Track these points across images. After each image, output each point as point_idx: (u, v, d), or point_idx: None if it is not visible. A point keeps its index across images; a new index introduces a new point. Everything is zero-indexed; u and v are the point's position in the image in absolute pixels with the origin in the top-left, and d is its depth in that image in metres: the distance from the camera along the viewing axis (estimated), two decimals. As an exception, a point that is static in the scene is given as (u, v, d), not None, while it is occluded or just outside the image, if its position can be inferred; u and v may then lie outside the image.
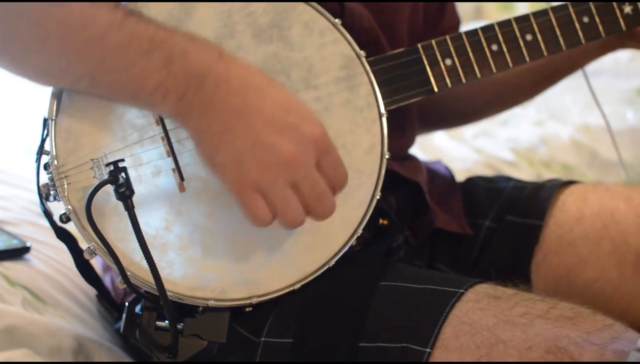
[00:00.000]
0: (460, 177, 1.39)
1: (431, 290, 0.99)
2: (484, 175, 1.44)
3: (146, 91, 0.91)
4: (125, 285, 0.96)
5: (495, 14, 3.30)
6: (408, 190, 1.21)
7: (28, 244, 1.26)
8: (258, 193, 0.93)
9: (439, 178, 1.32)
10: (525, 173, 1.96)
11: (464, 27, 1.41)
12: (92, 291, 1.26)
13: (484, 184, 1.37)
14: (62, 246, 1.20)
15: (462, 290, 0.98)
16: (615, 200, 1.26)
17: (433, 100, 1.33)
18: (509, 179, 1.38)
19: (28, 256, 1.25)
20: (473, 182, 1.38)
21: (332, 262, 1.03)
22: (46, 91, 0.98)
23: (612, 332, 0.91)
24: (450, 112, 1.43)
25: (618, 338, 0.90)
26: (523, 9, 3.18)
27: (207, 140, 0.92)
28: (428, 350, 0.95)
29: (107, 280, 1.18)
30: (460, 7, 1.42)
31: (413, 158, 1.28)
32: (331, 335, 1.00)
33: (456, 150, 1.99)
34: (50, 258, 1.28)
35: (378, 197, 1.05)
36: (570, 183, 1.32)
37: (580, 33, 1.17)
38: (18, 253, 1.24)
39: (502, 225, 1.28)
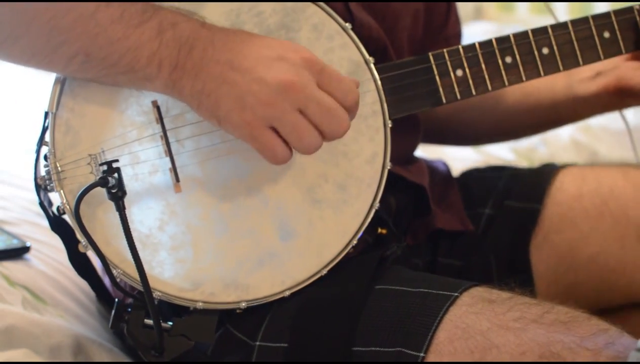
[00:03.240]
0: (458, 174, 1.39)
1: (425, 293, 0.99)
2: (479, 167, 1.43)
3: (141, 63, 0.93)
4: (112, 283, 0.96)
5: (495, 14, 3.29)
6: (409, 190, 1.20)
7: (28, 244, 1.26)
8: (270, 129, 0.93)
9: (437, 174, 1.32)
10: (525, 173, 1.95)
11: (464, 27, 1.40)
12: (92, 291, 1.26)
13: (479, 175, 1.37)
14: (63, 245, 1.19)
15: (456, 294, 0.97)
16: (613, 176, 1.27)
17: (437, 117, 1.33)
18: (503, 168, 1.38)
19: (28, 256, 1.25)
20: (468, 175, 1.38)
21: (325, 271, 1.02)
22: (47, 89, 0.98)
23: (606, 337, 0.90)
24: (452, 134, 1.42)
25: (613, 343, 0.90)
26: (523, 9, 3.17)
27: (205, 98, 0.93)
28: (422, 354, 0.94)
29: (106, 280, 1.17)
30: (461, 7, 1.41)
31: (417, 160, 1.27)
32: (325, 339, 0.99)
33: (456, 150, 1.98)
34: (50, 258, 1.28)
35: (376, 208, 1.04)
36: (566, 166, 1.32)
37: (599, 48, 1.14)
38: (18, 253, 1.24)
39: (501, 211, 1.29)
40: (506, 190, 1.30)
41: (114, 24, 0.92)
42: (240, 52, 0.93)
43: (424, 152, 1.36)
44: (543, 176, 1.30)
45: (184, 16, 0.95)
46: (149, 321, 0.99)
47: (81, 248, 0.98)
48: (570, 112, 1.32)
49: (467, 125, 1.38)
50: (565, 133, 2.15)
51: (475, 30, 2.90)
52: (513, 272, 1.23)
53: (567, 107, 1.30)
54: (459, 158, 1.89)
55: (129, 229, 0.93)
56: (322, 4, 1.03)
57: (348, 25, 1.04)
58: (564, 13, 3.07)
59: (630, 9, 1.16)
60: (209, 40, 0.94)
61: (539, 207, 1.26)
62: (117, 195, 0.93)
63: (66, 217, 0.98)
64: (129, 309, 1.00)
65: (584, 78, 1.28)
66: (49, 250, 1.30)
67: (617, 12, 1.15)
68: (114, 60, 0.93)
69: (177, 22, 0.94)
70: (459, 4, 1.36)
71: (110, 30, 0.92)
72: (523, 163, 2.02)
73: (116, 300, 1.01)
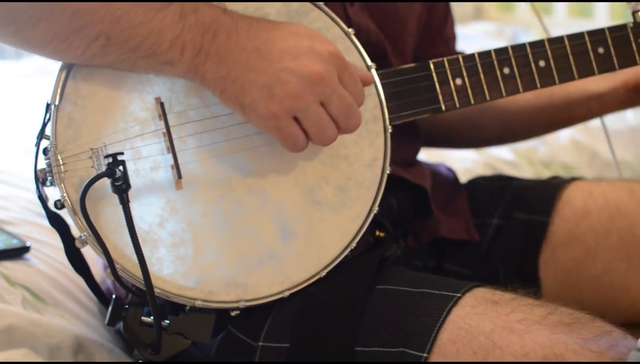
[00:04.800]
0: (460, 177, 1.39)
1: (428, 294, 0.97)
2: (485, 175, 1.42)
3: (164, 46, 0.92)
4: (113, 277, 0.95)
5: (495, 14, 3.29)
6: (411, 191, 1.19)
7: (28, 244, 1.24)
8: (293, 120, 0.94)
9: (443, 180, 1.30)
10: (525, 173, 1.94)
11: (464, 27, 1.39)
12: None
13: (486, 184, 1.35)
14: (62, 245, 1.20)
15: (459, 294, 0.96)
16: (619, 193, 1.26)
17: (446, 122, 1.31)
18: (510, 178, 1.37)
19: (28, 256, 1.23)
20: (475, 183, 1.36)
21: (324, 273, 1.01)
22: (47, 88, 0.97)
23: (610, 339, 0.89)
24: (462, 137, 1.41)
25: (616, 344, 0.88)
26: (523, 9, 3.17)
27: (230, 85, 0.93)
28: (425, 355, 0.93)
29: (108, 281, 1.17)
30: (461, 7, 1.40)
31: (418, 163, 1.26)
32: (327, 340, 0.98)
33: (456, 150, 1.97)
34: (50, 258, 1.26)
35: (375, 212, 1.03)
36: (573, 179, 1.31)
37: (594, 63, 1.14)
38: (18, 252, 1.22)
39: (510, 222, 1.27)
40: (514, 202, 1.29)
41: (136, 7, 0.91)
42: (267, 40, 0.93)
43: (424, 152, 1.35)
44: (551, 189, 1.29)
45: (205, 2, 0.94)
46: (146, 319, 0.97)
47: (78, 244, 0.96)
48: (585, 110, 1.30)
49: (477, 128, 1.37)
50: (565, 133, 2.14)
51: (475, 30, 2.89)
52: (522, 284, 1.23)
53: (581, 106, 1.29)
54: (459, 159, 1.88)
55: (132, 222, 0.91)
56: (325, 8, 1.03)
57: (351, 31, 1.04)
58: (564, 13, 3.07)
59: (624, 26, 1.16)
60: (233, 27, 0.93)
61: (547, 220, 1.25)
62: (122, 187, 0.92)
63: (64, 212, 0.96)
64: (126, 306, 0.98)
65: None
66: (49, 250, 1.28)
67: (611, 29, 1.15)
68: (136, 44, 0.92)
69: (198, 7, 0.93)
70: (459, 4, 1.36)
71: (132, 13, 0.91)
72: (523, 163, 2.02)
73: (114, 296, 0.99)
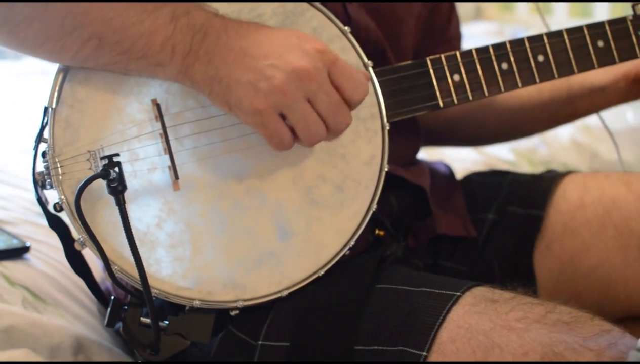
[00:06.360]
0: (460, 177, 1.39)
1: (427, 293, 0.97)
2: (480, 171, 1.41)
3: (155, 48, 0.92)
4: (110, 279, 0.95)
5: (495, 14, 3.29)
6: (410, 191, 1.18)
7: (28, 244, 1.24)
8: (279, 117, 0.93)
9: (440, 177, 1.30)
10: (525, 173, 1.95)
11: (464, 27, 1.39)
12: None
13: (481, 179, 1.35)
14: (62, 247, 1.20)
15: (458, 293, 0.95)
16: (616, 186, 1.25)
17: (445, 118, 1.31)
18: (505, 173, 1.36)
19: (28, 256, 1.23)
20: (471, 179, 1.36)
21: (322, 272, 1.01)
22: (46, 88, 0.97)
23: (609, 337, 0.88)
24: (462, 134, 1.40)
25: (615, 343, 0.88)
26: (523, 9, 3.17)
27: (217, 84, 0.93)
28: (424, 354, 0.93)
29: (107, 282, 1.17)
30: (461, 7, 1.40)
31: (418, 162, 1.25)
32: (327, 338, 0.97)
33: (456, 150, 1.97)
34: (50, 258, 1.26)
35: (374, 210, 1.03)
36: (568, 173, 1.30)
37: (594, 57, 1.13)
38: (18, 252, 1.22)
39: (505, 217, 1.27)
40: (509, 196, 1.28)
41: (129, 9, 0.92)
42: (255, 39, 0.93)
43: (424, 152, 1.36)
44: (545, 183, 1.28)
45: (197, 5, 0.95)
46: (145, 320, 0.97)
47: (77, 246, 0.96)
48: (587, 103, 1.29)
49: (479, 125, 1.36)
50: (565, 133, 2.15)
51: (475, 30, 2.90)
52: (516, 279, 1.23)
53: (584, 99, 1.28)
54: (459, 159, 1.88)
55: (128, 223, 0.91)
56: (321, 7, 1.02)
57: (347, 29, 1.03)
58: (564, 13, 3.07)
59: (624, 19, 1.15)
60: (223, 29, 0.94)
61: (542, 214, 1.24)
62: (118, 189, 0.91)
63: (63, 214, 0.96)
64: (125, 307, 0.98)
65: None
66: (49, 250, 1.27)
67: (610, 22, 1.14)
68: (128, 45, 0.92)
69: (190, 10, 0.94)
70: (459, 4, 1.36)
71: (124, 15, 0.91)
72: (523, 163, 2.02)
73: (112, 297, 0.99)
